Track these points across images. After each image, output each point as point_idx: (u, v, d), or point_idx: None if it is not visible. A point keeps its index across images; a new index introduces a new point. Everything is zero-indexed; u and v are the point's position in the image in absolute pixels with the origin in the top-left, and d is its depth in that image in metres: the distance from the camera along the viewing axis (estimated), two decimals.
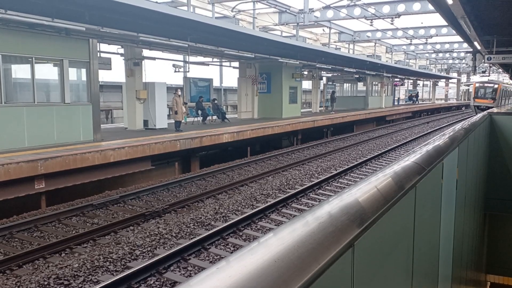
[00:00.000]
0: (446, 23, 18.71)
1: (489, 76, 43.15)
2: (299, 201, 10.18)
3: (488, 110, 9.70)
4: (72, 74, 12.83)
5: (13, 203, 9.27)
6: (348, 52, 34.45)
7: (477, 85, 35.48)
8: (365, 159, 15.31)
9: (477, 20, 13.37)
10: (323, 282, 1.09)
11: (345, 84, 37.92)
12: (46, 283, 5.81)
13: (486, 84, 34.66)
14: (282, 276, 0.95)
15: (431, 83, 58.66)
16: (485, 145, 8.07)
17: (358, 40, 34.18)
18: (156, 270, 6.14)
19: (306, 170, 13.68)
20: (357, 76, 33.81)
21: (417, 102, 52.02)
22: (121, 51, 16.95)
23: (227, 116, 22.14)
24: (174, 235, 7.71)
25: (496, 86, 33.89)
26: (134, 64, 16.67)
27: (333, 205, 1.47)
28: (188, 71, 18.76)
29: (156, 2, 13.27)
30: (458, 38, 24.73)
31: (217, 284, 0.86)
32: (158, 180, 12.23)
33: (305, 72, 27.62)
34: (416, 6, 22.80)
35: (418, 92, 56.92)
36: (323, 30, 32.25)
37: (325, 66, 26.88)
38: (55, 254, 6.99)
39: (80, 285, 5.83)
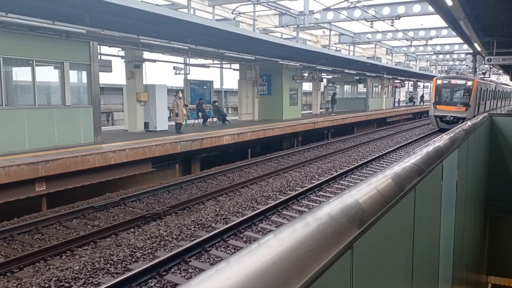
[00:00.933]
0: (446, 25, 18.71)
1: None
2: (300, 202, 10.16)
3: (486, 113, 9.46)
4: (73, 76, 12.86)
5: (14, 206, 9.27)
6: (349, 54, 34.47)
7: (438, 82, 23.00)
8: (365, 160, 15.30)
9: (477, 21, 13.39)
10: (322, 284, 1.10)
11: (345, 85, 37.89)
12: (47, 285, 5.81)
13: (453, 81, 22.77)
14: (280, 277, 0.95)
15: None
16: (485, 146, 8.07)
17: (358, 42, 34.21)
18: (157, 272, 6.14)
19: (306, 171, 13.67)
20: (358, 77, 33.82)
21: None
22: (122, 53, 16.98)
23: (227, 118, 22.15)
24: (174, 237, 7.70)
25: (469, 83, 22.20)
26: (134, 67, 16.70)
27: (333, 206, 1.47)
28: (189, 73, 18.79)
29: (157, 5, 13.30)
30: (458, 40, 24.71)
31: (216, 286, 0.86)
32: (159, 182, 12.23)
33: (306, 74, 27.63)
34: (416, 8, 22.82)
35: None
36: (323, 32, 32.28)
37: (326, 68, 26.91)
38: (56, 256, 6.99)
39: (81, 287, 5.83)
